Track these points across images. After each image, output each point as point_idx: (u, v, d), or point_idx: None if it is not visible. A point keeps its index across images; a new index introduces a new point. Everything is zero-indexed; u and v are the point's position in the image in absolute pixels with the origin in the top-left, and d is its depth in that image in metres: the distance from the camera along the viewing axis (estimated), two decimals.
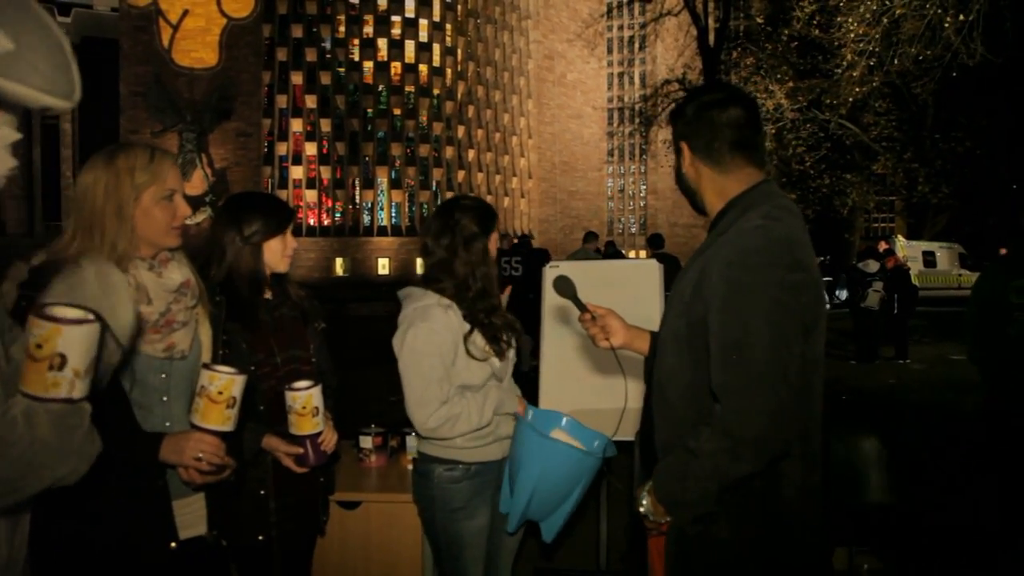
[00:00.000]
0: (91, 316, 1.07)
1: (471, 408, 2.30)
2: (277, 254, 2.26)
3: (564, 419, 2.41)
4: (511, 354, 2.46)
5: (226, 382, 1.69)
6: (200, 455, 1.72)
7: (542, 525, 2.34)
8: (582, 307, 2.02)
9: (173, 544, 1.83)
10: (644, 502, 1.70)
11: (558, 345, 3.34)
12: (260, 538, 2.18)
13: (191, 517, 1.93)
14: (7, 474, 1.04)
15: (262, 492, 2.19)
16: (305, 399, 2.05)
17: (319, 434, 2.12)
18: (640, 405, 2.67)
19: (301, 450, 2.12)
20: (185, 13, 41.12)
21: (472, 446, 2.35)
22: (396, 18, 43.21)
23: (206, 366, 1.73)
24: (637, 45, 51.98)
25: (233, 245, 2.21)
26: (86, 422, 1.11)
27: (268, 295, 2.32)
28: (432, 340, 2.26)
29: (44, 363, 1.05)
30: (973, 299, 3.85)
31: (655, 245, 10.31)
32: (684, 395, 1.69)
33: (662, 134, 24.76)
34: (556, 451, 2.19)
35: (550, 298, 3.31)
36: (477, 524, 2.37)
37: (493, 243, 2.41)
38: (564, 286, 2.07)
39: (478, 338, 2.33)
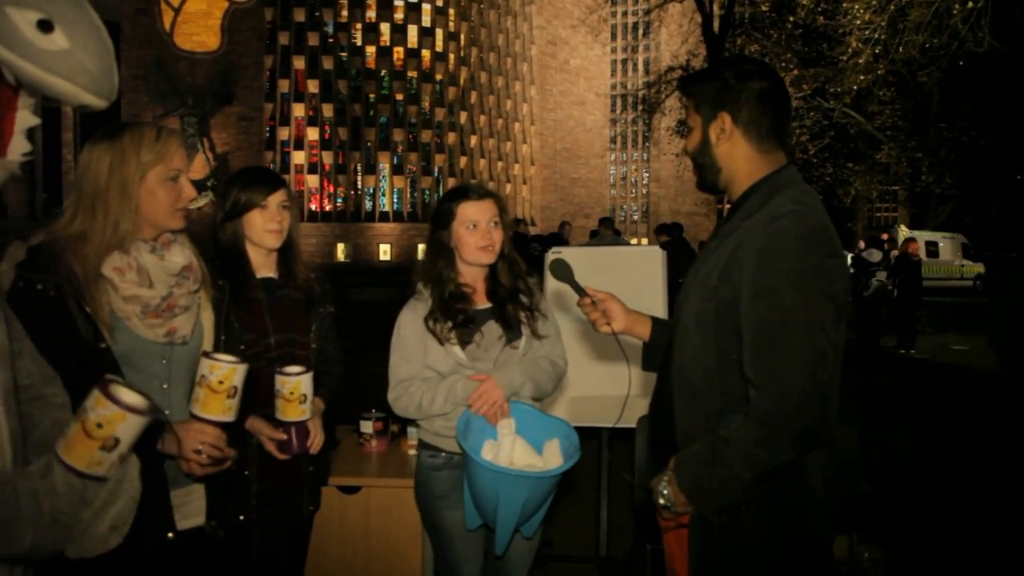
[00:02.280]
0: (149, 409, 1.10)
1: (423, 391, 2.25)
2: (258, 228, 2.20)
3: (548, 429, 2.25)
4: (499, 347, 2.31)
5: (227, 371, 1.64)
6: (200, 447, 1.69)
7: (523, 527, 2.21)
8: (581, 291, 1.96)
9: (171, 534, 1.80)
10: (665, 492, 1.64)
11: None
12: (241, 518, 2.16)
13: (190, 507, 1.90)
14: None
15: (246, 473, 2.16)
16: (294, 385, 2.02)
17: (305, 422, 2.09)
18: (641, 392, 2.64)
19: (285, 436, 2.09)
20: None
21: (450, 435, 2.26)
22: (399, 2, 42.88)
23: (206, 355, 1.69)
24: (641, 32, 51.69)
25: (217, 220, 2.22)
26: (99, 498, 1.12)
27: (272, 274, 2.29)
28: (406, 322, 2.32)
29: (98, 442, 1.06)
30: (998, 290, 3.91)
31: (675, 231, 10.28)
32: (709, 379, 1.64)
33: (665, 121, 24.66)
34: (533, 481, 2.04)
35: (550, 284, 3.29)
36: (462, 517, 2.28)
37: (460, 229, 2.28)
38: (561, 270, 2.02)
39: (441, 321, 2.27)
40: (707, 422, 1.60)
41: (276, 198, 2.22)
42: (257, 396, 2.11)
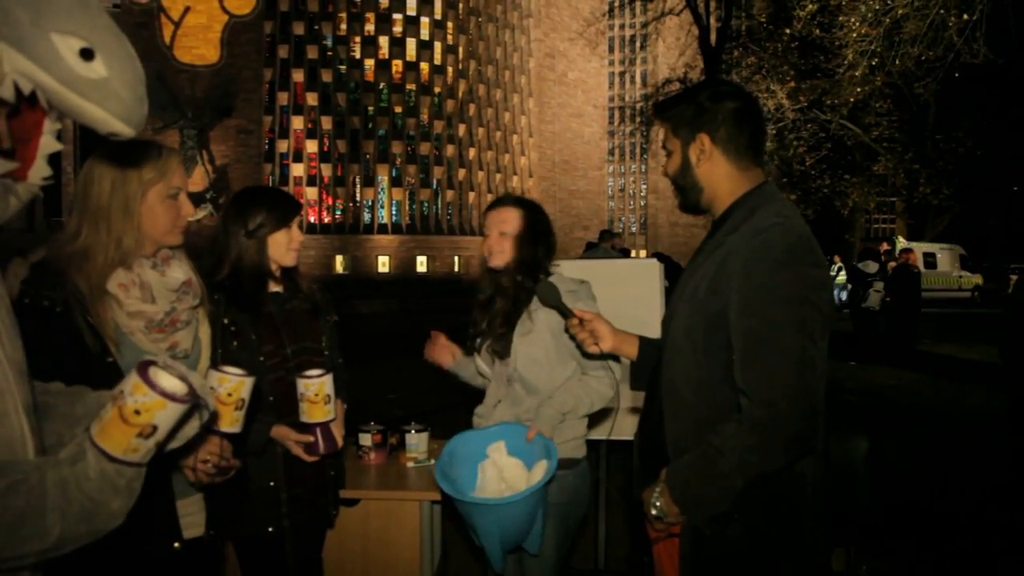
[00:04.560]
0: (189, 396, 1.07)
1: None
2: (282, 247, 2.27)
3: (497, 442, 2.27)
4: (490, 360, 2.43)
5: (236, 384, 1.67)
6: (208, 457, 1.72)
7: (524, 544, 2.25)
8: (568, 313, 1.99)
9: (177, 544, 1.83)
10: (658, 503, 1.65)
11: None
12: (270, 530, 2.19)
13: (192, 518, 1.93)
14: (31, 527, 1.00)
15: (272, 484, 2.21)
16: (318, 386, 2.08)
17: (330, 422, 2.15)
18: (632, 405, 2.66)
19: (311, 438, 2.15)
20: (187, 10, 41.07)
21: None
22: (398, 16, 43.12)
23: (215, 367, 1.72)
24: (639, 44, 51.93)
25: (238, 239, 2.23)
26: (134, 486, 1.09)
27: (279, 288, 2.33)
28: None
29: (135, 429, 1.03)
30: (1012, 301, 3.96)
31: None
32: (698, 390, 1.67)
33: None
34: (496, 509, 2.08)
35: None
36: None
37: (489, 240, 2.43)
38: (548, 293, 2.04)
39: (477, 328, 2.45)
40: (697, 433, 1.62)
41: (297, 219, 2.32)
42: (280, 406, 2.18)
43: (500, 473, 2.16)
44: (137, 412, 1.03)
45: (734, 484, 1.54)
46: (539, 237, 2.41)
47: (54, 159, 1.12)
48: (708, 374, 1.65)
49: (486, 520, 2.06)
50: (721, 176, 1.76)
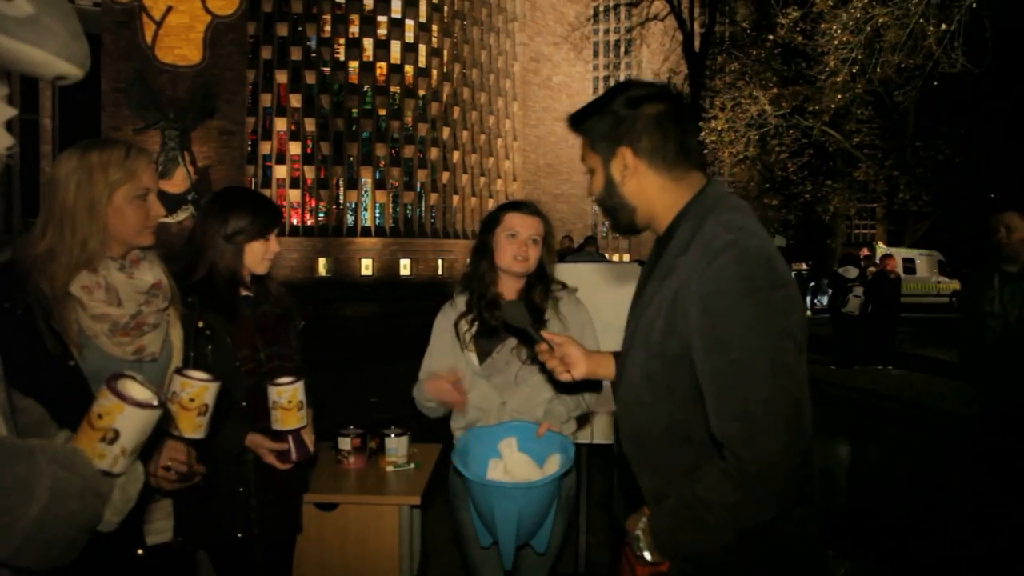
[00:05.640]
0: (156, 402, 1.08)
1: (417, 386, 2.40)
2: (258, 256, 2.25)
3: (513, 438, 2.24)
4: (517, 364, 2.35)
5: (198, 389, 1.63)
6: (168, 463, 1.68)
7: (532, 542, 2.24)
8: (538, 337, 1.82)
9: (140, 551, 1.79)
10: (642, 544, 1.49)
11: None
12: (239, 535, 2.18)
13: (158, 524, 1.90)
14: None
15: (241, 490, 2.19)
16: (291, 393, 2.07)
17: (301, 429, 2.14)
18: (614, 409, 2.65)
19: (285, 446, 2.14)
20: (169, 10, 40.74)
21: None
22: (382, 18, 43.06)
23: (179, 372, 1.67)
24: (623, 49, 52.21)
25: (215, 242, 2.20)
26: (107, 496, 1.11)
27: (249, 292, 2.31)
28: (438, 327, 2.46)
29: (99, 433, 1.06)
30: (962, 308, 4.04)
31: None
32: (669, 435, 1.49)
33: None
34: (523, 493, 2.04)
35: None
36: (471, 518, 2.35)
37: (501, 236, 2.36)
38: (515, 314, 1.91)
39: (468, 323, 2.38)
40: (676, 479, 1.46)
41: (275, 231, 2.29)
42: (253, 412, 2.16)
43: (506, 469, 2.16)
44: (100, 416, 1.06)
45: (724, 538, 1.41)
46: (551, 246, 2.45)
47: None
48: (677, 418, 1.47)
49: (510, 505, 2.00)
50: (654, 191, 1.53)
